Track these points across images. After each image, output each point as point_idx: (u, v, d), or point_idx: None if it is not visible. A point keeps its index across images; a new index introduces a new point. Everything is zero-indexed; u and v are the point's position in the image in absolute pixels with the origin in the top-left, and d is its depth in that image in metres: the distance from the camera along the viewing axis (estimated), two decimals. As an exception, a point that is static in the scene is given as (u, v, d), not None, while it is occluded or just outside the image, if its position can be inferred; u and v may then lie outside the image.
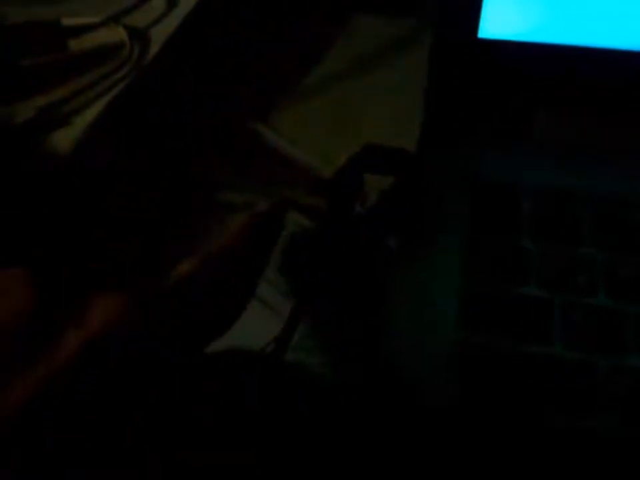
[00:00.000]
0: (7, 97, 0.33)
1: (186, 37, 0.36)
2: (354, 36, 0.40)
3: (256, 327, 0.28)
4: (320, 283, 0.28)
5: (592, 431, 0.24)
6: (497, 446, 0.24)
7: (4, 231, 0.28)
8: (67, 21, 0.36)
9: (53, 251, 0.29)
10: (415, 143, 0.32)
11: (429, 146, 0.32)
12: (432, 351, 0.26)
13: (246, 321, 0.25)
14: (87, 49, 0.36)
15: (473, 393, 0.25)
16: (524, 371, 0.25)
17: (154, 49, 0.36)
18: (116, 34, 0.36)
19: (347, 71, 0.38)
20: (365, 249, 0.29)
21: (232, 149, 0.34)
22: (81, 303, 0.18)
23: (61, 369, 0.17)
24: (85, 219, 0.30)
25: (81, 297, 0.19)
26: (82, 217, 0.30)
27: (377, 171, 0.31)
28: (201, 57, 0.37)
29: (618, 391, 0.24)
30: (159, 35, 0.36)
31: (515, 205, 0.29)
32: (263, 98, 0.37)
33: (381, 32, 0.40)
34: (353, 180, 0.29)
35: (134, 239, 0.30)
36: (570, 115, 0.32)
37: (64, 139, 0.32)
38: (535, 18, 0.30)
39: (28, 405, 0.16)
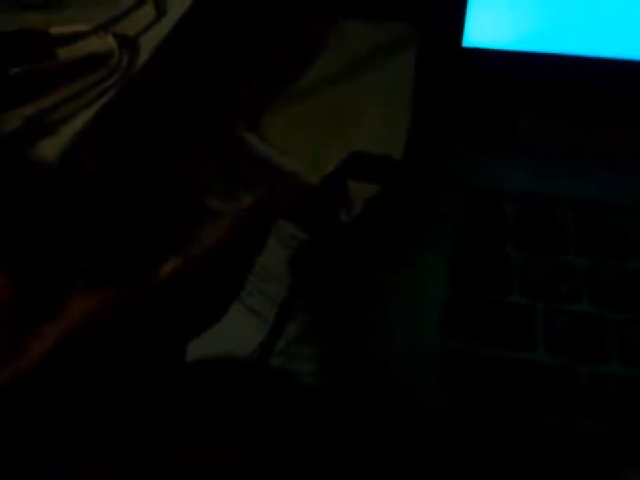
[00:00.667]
0: (-5, 105, 0.33)
1: (175, 44, 0.36)
2: (343, 41, 0.40)
3: (242, 333, 0.28)
4: (307, 288, 0.28)
5: (574, 436, 0.24)
6: (479, 448, 0.24)
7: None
8: (56, 30, 0.36)
9: (41, 251, 0.29)
10: (401, 150, 0.32)
11: (415, 151, 0.32)
12: (418, 356, 0.26)
13: (232, 327, 0.25)
14: (76, 57, 0.36)
15: (456, 397, 0.25)
16: (506, 376, 0.25)
17: (143, 57, 0.36)
18: (105, 42, 0.36)
19: (336, 76, 0.39)
20: (352, 255, 0.29)
21: (221, 156, 0.34)
22: (61, 298, 0.19)
23: (38, 361, 0.17)
24: (75, 220, 0.30)
25: (62, 293, 0.19)
26: (72, 219, 0.30)
27: (362, 179, 0.31)
28: (189, 65, 0.37)
29: (599, 397, 0.24)
30: (148, 43, 0.36)
31: (499, 211, 0.30)
32: (252, 103, 0.37)
33: (370, 37, 0.40)
34: (338, 187, 0.29)
35: (124, 241, 0.30)
36: (553, 121, 0.32)
37: (52, 147, 0.32)
38: (517, 28, 0.31)
39: (4, 395, 0.17)
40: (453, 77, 0.32)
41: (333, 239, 0.29)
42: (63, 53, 0.36)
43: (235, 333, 0.27)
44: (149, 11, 0.38)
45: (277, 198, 0.27)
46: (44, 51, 0.35)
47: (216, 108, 0.36)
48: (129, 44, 0.36)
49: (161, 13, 0.37)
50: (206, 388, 0.22)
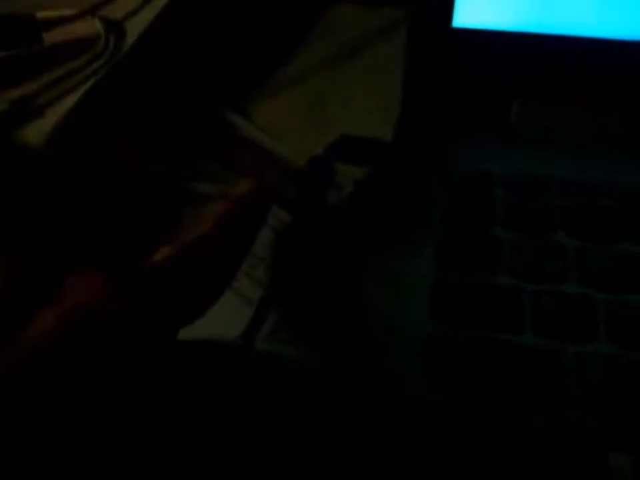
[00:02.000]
0: (-20, 90, 0.33)
1: (161, 29, 0.36)
2: (333, 25, 0.40)
3: (228, 317, 0.28)
4: (292, 272, 0.28)
5: (560, 420, 0.24)
6: (466, 433, 0.24)
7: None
8: (42, 14, 0.36)
9: (35, 237, 0.29)
10: (391, 134, 0.32)
11: (405, 135, 0.32)
12: (404, 340, 0.26)
13: (218, 311, 0.25)
14: (63, 42, 0.35)
15: (444, 380, 0.25)
16: (494, 358, 0.25)
17: (129, 41, 0.35)
18: (91, 26, 0.36)
19: (325, 60, 0.38)
20: (338, 238, 0.29)
21: (208, 138, 0.34)
22: (57, 282, 0.19)
23: (36, 344, 0.17)
24: (59, 207, 0.30)
25: (57, 277, 0.19)
26: (59, 203, 0.30)
27: (351, 161, 0.31)
28: (176, 49, 0.37)
29: (588, 378, 0.24)
30: (135, 28, 0.36)
31: (488, 193, 0.29)
32: (240, 88, 0.37)
33: (359, 21, 0.39)
34: (325, 169, 0.29)
35: (109, 228, 0.30)
36: (545, 104, 0.31)
37: (38, 131, 0.31)
38: (508, 7, 0.30)
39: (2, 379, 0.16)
40: (442, 59, 0.31)
41: (320, 221, 0.29)
42: (49, 37, 0.35)
43: (221, 316, 0.27)
44: (136, -6, 0.37)
45: (271, 184, 0.27)
46: (30, 35, 0.35)
47: (203, 92, 0.36)
48: (115, 28, 0.36)
49: (148, -3, 0.37)
50: (190, 373, 0.22)
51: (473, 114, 0.31)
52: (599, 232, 0.28)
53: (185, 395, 0.20)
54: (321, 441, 0.23)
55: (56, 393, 0.17)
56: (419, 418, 0.24)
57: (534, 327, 0.25)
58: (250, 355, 0.26)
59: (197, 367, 0.22)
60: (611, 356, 0.25)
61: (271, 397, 0.24)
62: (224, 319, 0.27)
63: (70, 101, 0.33)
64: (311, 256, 0.28)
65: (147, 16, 0.36)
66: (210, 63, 0.37)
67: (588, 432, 0.23)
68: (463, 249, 0.28)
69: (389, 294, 0.27)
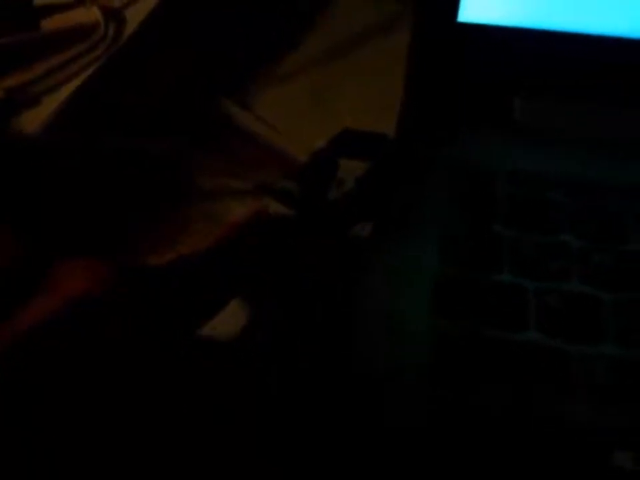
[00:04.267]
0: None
1: (162, 17, 0.36)
2: (336, 17, 0.39)
3: (229, 313, 0.27)
4: (293, 268, 0.28)
5: (565, 418, 0.24)
6: (467, 432, 0.23)
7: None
8: (40, 0, 0.35)
9: (36, 223, 0.28)
10: (394, 128, 0.32)
11: (408, 130, 0.31)
12: (405, 336, 0.26)
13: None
14: (61, 29, 0.35)
15: (445, 377, 0.25)
16: (497, 356, 0.25)
17: (129, 29, 0.35)
18: (90, 14, 0.35)
19: (327, 54, 0.38)
20: (340, 233, 0.28)
21: (208, 132, 0.34)
22: (57, 268, 0.18)
23: (32, 330, 0.17)
24: (56, 195, 0.29)
25: (57, 266, 0.19)
26: (52, 193, 0.29)
27: (353, 156, 0.30)
28: (177, 39, 0.36)
29: (592, 376, 0.24)
30: (134, 16, 0.35)
31: (492, 190, 0.29)
32: (242, 80, 0.36)
33: (363, 13, 0.39)
34: (327, 164, 0.29)
35: (107, 217, 0.29)
36: (549, 100, 0.31)
37: (35, 119, 0.31)
38: (514, 3, 0.30)
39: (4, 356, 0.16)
40: (447, 53, 0.31)
41: (321, 215, 0.28)
42: (47, 24, 0.35)
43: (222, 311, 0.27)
44: (135, -18, 0.37)
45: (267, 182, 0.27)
46: (28, 21, 0.34)
47: (204, 84, 0.36)
48: (114, 16, 0.35)
49: (148, -15, 0.36)
50: (191, 372, 0.21)
51: (476, 109, 0.31)
52: (603, 230, 0.27)
53: (185, 393, 0.20)
54: (320, 440, 0.23)
55: (50, 380, 0.17)
56: (418, 418, 0.24)
57: (537, 324, 0.25)
58: (250, 354, 0.26)
59: (197, 367, 0.22)
60: (615, 354, 0.24)
61: (270, 396, 0.23)
62: (225, 314, 0.27)
63: (68, 89, 0.32)
64: (311, 251, 0.28)
65: (146, 4, 0.36)
66: (211, 53, 0.37)
67: (591, 430, 0.23)
68: (466, 246, 0.28)
69: (391, 290, 0.27)
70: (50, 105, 0.31)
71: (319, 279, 0.27)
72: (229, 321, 0.26)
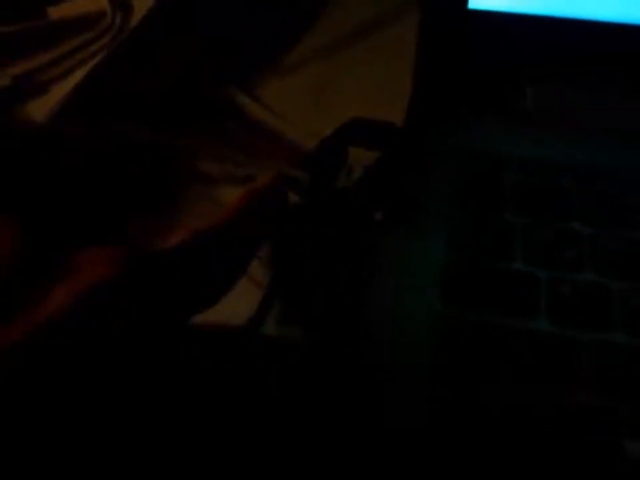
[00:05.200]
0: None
1: (168, 6, 0.35)
2: (341, 9, 0.39)
3: (237, 300, 0.27)
4: (302, 256, 0.28)
5: (576, 408, 0.23)
6: (475, 419, 0.23)
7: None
8: (46, -12, 0.35)
9: (48, 212, 0.28)
10: (402, 117, 0.31)
11: (417, 119, 0.31)
12: (414, 325, 0.25)
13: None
14: (67, 17, 0.35)
15: (455, 367, 0.24)
16: (507, 345, 0.24)
17: (136, 18, 0.35)
18: (97, 2, 0.35)
19: (336, 41, 0.38)
20: (349, 222, 0.28)
21: (215, 120, 0.33)
22: (62, 256, 0.18)
23: (50, 319, 0.17)
24: (63, 183, 0.29)
25: (62, 251, 0.18)
26: (60, 182, 0.29)
27: (362, 144, 0.30)
28: (183, 28, 0.36)
29: (603, 366, 0.24)
30: (141, 4, 0.35)
31: (502, 178, 0.29)
32: (248, 70, 0.36)
33: (368, 4, 0.39)
34: (336, 152, 0.29)
35: (114, 204, 0.29)
36: (560, 87, 0.31)
37: (41, 107, 0.31)
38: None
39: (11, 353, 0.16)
40: (456, 40, 0.31)
41: (330, 203, 0.28)
42: (54, 12, 0.35)
43: (229, 299, 0.27)
44: (142, -29, 0.36)
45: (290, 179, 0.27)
46: (34, 9, 0.34)
47: (210, 72, 0.35)
48: (121, 4, 0.35)
49: (155, -27, 0.36)
50: (198, 358, 0.21)
51: (486, 97, 0.31)
52: (614, 217, 0.27)
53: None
54: (320, 439, 0.22)
55: (68, 369, 0.17)
56: (420, 416, 0.23)
57: (548, 313, 0.25)
58: (256, 338, 0.25)
59: (198, 365, 0.21)
60: (626, 343, 0.24)
61: (270, 393, 0.23)
62: (232, 302, 0.27)
63: (74, 77, 0.32)
64: (318, 239, 0.28)
65: (154, -7, 0.35)
66: (218, 41, 0.37)
67: (603, 421, 0.23)
68: (475, 235, 0.27)
69: (398, 280, 0.27)
70: (56, 93, 0.31)
71: (324, 267, 0.27)
72: (238, 309, 0.26)
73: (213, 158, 0.30)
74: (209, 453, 0.19)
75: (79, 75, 0.32)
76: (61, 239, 0.20)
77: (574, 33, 0.30)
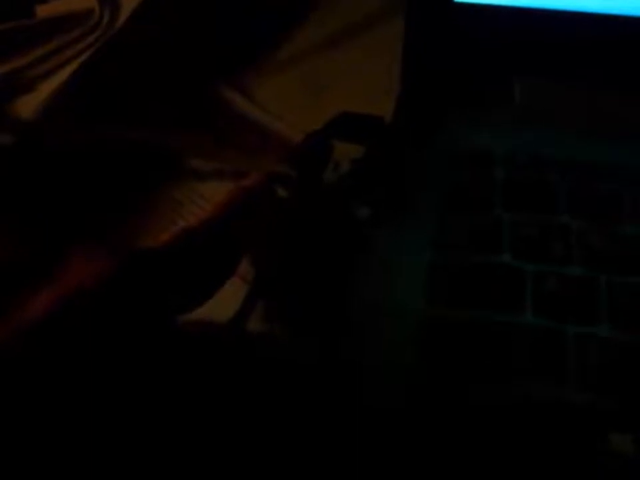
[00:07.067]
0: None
1: (157, 4, 0.35)
2: (333, 5, 0.39)
3: (224, 296, 0.27)
4: (286, 251, 0.28)
5: (561, 401, 0.23)
6: (464, 414, 0.23)
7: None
8: (35, -14, 0.35)
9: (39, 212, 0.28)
10: (391, 113, 0.31)
11: (405, 114, 0.31)
12: (399, 322, 0.25)
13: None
14: (56, 15, 0.35)
15: (441, 363, 0.24)
16: (493, 339, 0.24)
17: (124, 15, 0.35)
18: (85, 0, 0.35)
19: (325, 37, 0.38)
20: (335, 217, 0.28)
21: (204, 116, 0.33)
22: (60, 260, 0.18)
23: (34, 323, 0.17)
24: (53, 183, 0.29)
25: (61, 255, 0.18)
26: (50, 181, 0.29)
27: (349, 139, 0.30)
28: (172, 25, 0.36)
29: (589, 359, 0.24)
30: (129, 1, 0.35)
31: (490, 173, 0.29)
32: (238, 66, 0.36)
33: (360, 1, 0.39)
34: (321, 146, 0.29)
35: (104, 203, 0.29)
36: (548, 82, 0.31)
37: (30, 105, 0.31)
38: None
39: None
40: (443, 34, 0.31)
41: (316, 199, 0.28)
42: (42, 10, 0.35)
43: (216, 295, 0.27)
44: (131, -32, 0.36)
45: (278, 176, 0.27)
46: (22, 8, 0.34)
47: (200, 70, 0.35)
48: (109, 2, 0.35)
49: (143, -30, 0.36)
50: (185, 355, 0.21)
51: (473, 91, 0.31)
52: (602, 213, 0.27)
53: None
54: (302, 425, 0.22)
55: (52, 373, 0.17)
56: (399, 397, 0.23)
57: (534, 307, 0.25)
58: (242, 336, 0.25)
59: (186, 361, 0.21)
60: (612, 337, 0.24)
61: (254, 384, 0.23)
62: (218, 298, 0.27)
63: (63, 74, 0.32)
64: (305, 235, 0.28)
65: (142, -10, 0.35)
66: (207, 37, 0.37)
67: (588, 413, 0.23)
68: (463, 228, 0.27)
69: (386, 274, 0.27)
70: (45, 90, 0.31)
71: (312, 261, 0.27)
72: (223, 304, 0.26)
73: (202, 155, 0.30)
74: (209, 453, 0.19)
75: (67, 72, 0.32)
76: (49, 237, 0.20)
77: (561, 25, 0.30)
